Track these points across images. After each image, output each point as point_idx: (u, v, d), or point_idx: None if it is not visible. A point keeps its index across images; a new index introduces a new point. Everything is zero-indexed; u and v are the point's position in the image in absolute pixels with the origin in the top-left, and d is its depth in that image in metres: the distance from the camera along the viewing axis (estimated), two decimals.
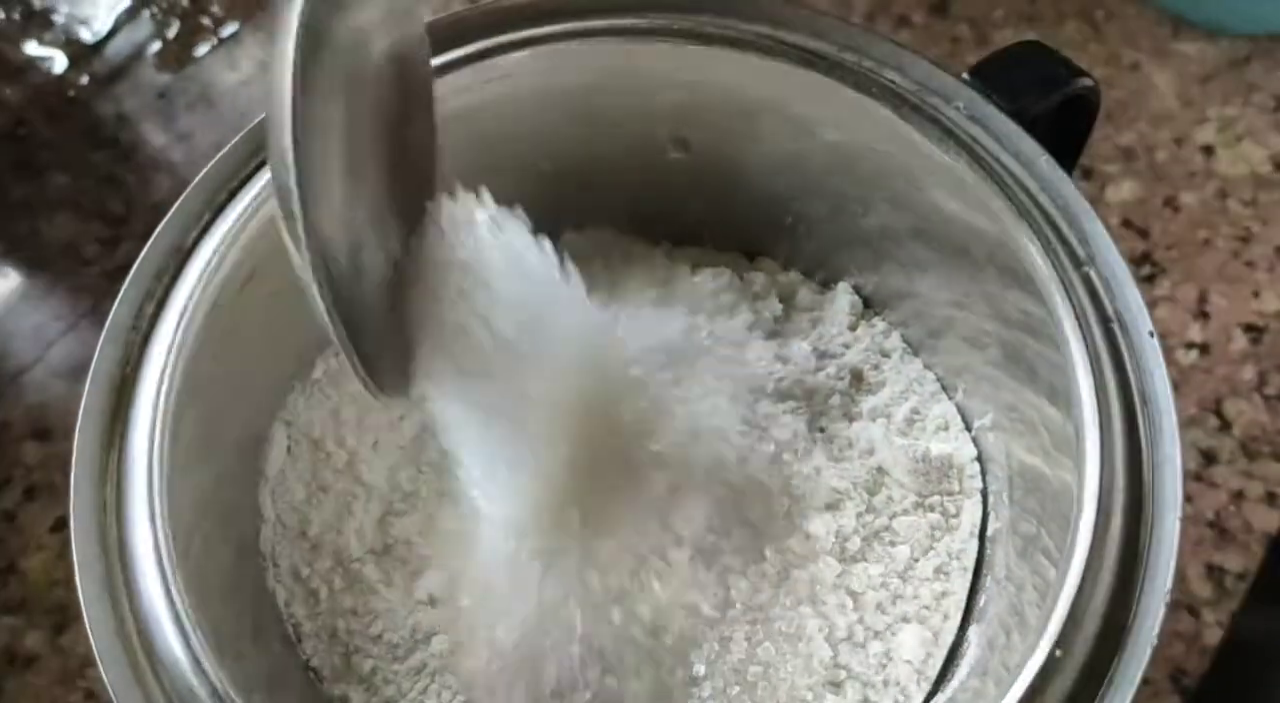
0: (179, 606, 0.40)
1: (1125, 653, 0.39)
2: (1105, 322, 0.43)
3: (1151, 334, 0.43)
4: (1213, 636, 0.60)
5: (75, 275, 0.78)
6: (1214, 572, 0.61)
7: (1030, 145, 0.46)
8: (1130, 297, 0.43)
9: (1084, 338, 0.42)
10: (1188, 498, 0.62)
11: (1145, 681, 0.48)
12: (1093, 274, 0.44)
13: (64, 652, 0.63)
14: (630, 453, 0.46)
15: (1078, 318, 0.43)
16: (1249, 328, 0.67)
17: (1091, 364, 0.42)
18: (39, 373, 0.73)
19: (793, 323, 0.56)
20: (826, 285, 0.58)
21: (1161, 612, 0.39)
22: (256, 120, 0.49)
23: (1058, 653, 0.38)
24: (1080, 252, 0.44)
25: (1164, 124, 0.74)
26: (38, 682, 0.62)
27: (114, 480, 0.43)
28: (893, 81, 0.48)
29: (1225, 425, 0.65)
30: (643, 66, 0.49)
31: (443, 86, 0.48)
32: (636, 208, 0.58)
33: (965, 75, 0.48)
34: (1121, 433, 0.41)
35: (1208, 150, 0.73)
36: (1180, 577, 0.60)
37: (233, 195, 0.47)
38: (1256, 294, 0.68)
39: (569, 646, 0.45)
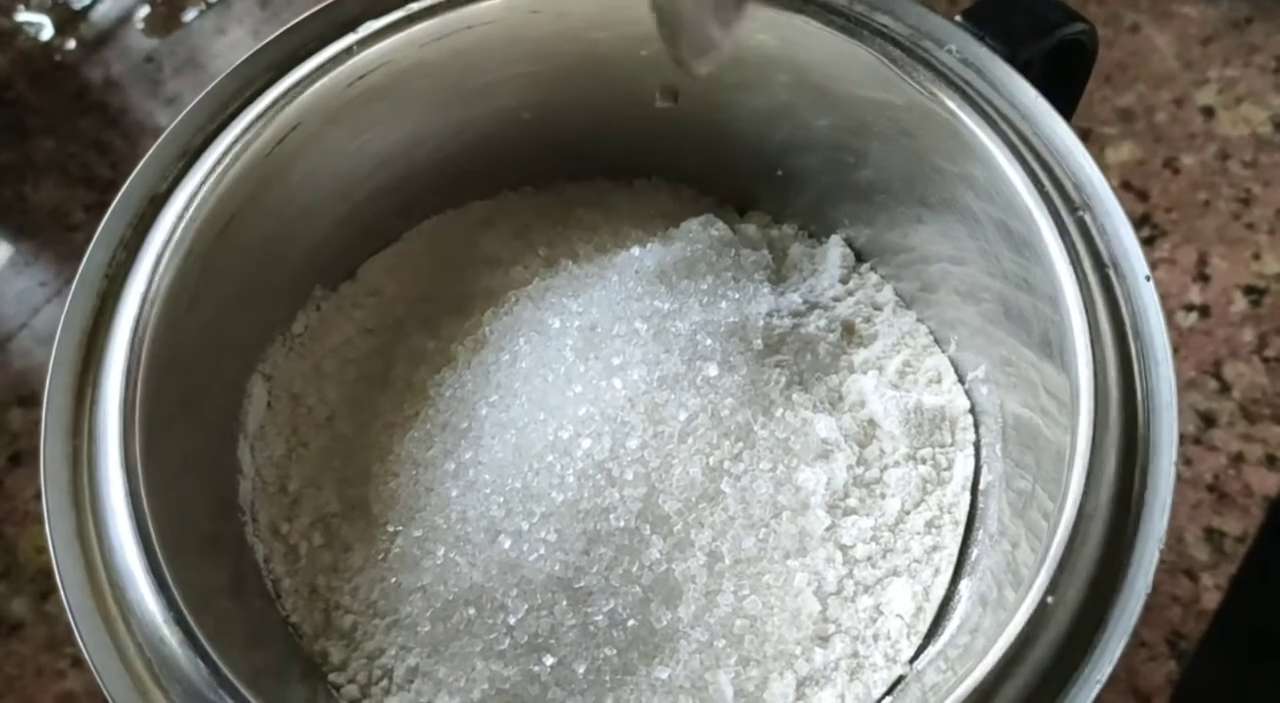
0: (154, 558, 0.39)
1: (1119, 601, 0.38)
2: (1101, 267, 0.43)
3: (1148, 278, 0.42)
4: (1211, 600, 0.59)
5: (62, 241, 0.77)
6: (1213, 536, 0.60)
7: (1025, 89, 0.46)
8: (1127, 241, 0.43)
9: (1079, 283, 0.41)
10: (1187, 462, 0.61)
11: (1141, 643, 0.48)
12: (1088, 219, 0.43)
13: (50, 619, 0.63)
14: None
15: (1072, 263, 0.42)
16: (1249, 290, 0.67)
17: (1086, 309, 0.41)
18: (24, 339, 0.73)
19: (784, 275, 0.55)
20: (818, 239, 0.57)
21: (1156, 558, 0.38)
22: (237, 62, 0.48)
23: (1049, 600, 0.37)
24: (1075, 196, 0.44)
25: (1164, 85, 0.74)
26: (23, 649, 0.62)
27: (86, 432, 0.42)
28: (884, 25, 0.47)
29: (1225, 388, 0.64)
30: (628, 12, 0.48)
31: (412, 36, 0.47)
32: (625, 159, 0.57)
33: (958, 18, 0.47)
34: (1116, 378, 0.40)
35: (1208, 112, 0.73)
36: (1178, 540, 0.60)
37: (210, 140, 0.46)
38: (1257, 256, 0.68)
39: (547, 594, 0.45)
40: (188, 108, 0.47)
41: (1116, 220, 0.43)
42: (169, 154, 0.47)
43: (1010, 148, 0.44)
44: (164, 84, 0.84)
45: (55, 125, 0.82)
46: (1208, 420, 0.63)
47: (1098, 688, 0.37)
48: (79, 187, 0.80)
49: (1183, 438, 0.40)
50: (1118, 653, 0.37)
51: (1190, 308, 0.66)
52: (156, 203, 0.46)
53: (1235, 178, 0.70)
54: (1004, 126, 0.45)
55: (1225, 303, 0.66)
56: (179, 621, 0.38)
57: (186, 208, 0.45)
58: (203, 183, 0.45)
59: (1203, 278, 0.67)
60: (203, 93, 0.47)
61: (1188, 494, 0.61)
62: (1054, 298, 0.42)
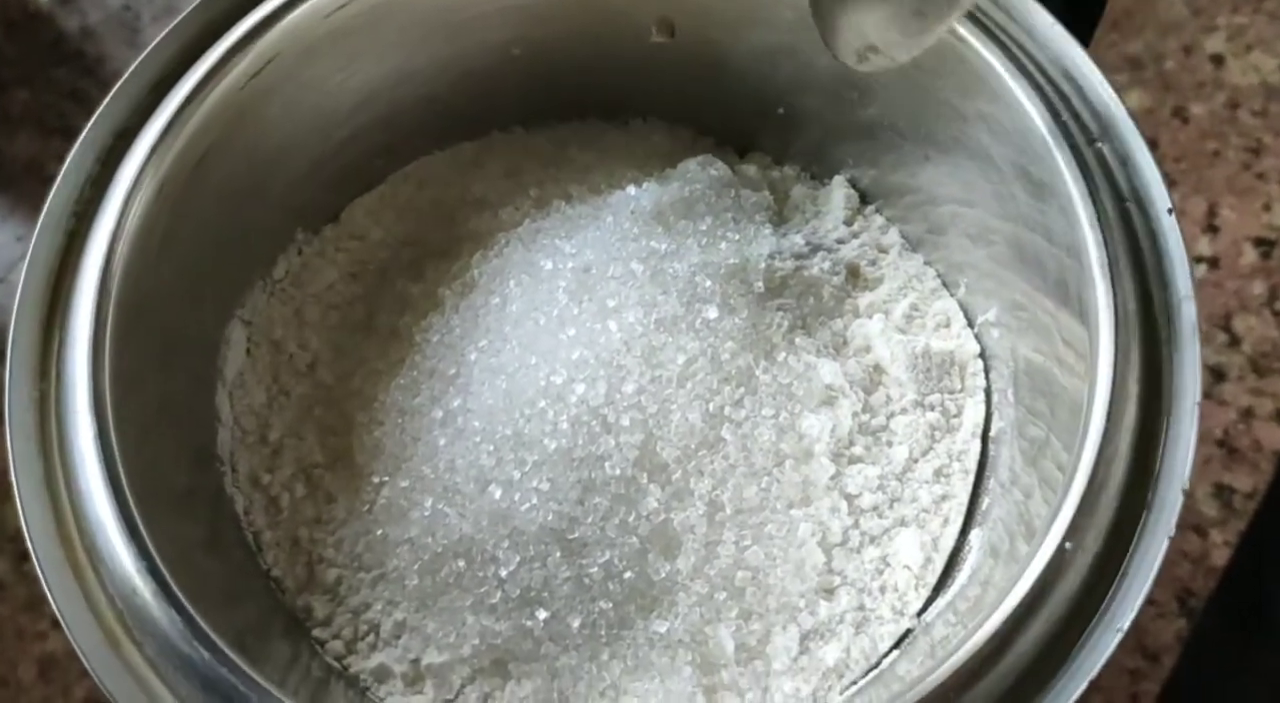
0: (125, 506, 0.38)
1: (1140, 547, 0.36)
2: (1120, 200, 0.41)
3: (1170, 212, 0.40)
4: (1220, 556, 0.58)
5: (38, 195, 0.75)
6: (1222, 492, 0.59)
7: (1040, 15, 0.44)
8: (1147, 173, 0.41)
9: (1098, 217, 0.40)
10: None
11: (1151, 601, 0.47)
12: (1106, 150, 0.42)
13: (31, 580, 0.61)
14: None
15: (1091, 196, 0.40)
16: (1259, 242, 0.66)
17: (1106, 249, 0.39)
18: (1, 295, 0.71)
19: (786, 217, 0.53)
20: (821, 180, 0.55)
21: (1179, 503, 0.37)
22: None
23: (1068, 546, 0.36)
24: (1093, 126, 0.42)
25: (1172, 33, 0.72)
26: (2, 610, 0.60)
27: (54, 375, 0.40)
28: None
29: (1235, 341, 0.63)
30: None
31: None
32: (620, 98, 0.55)
33: None
34: (1137, 316, 0.39)
35: (1217, 59, 0.71)
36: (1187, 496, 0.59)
37: (182, 72, 0.44)
38: (1267, 207, 0.66)
39: (540, 545, 0.43)
40: (157, 39, 0.45)
41: (1137, 152, 0.41)
42: (138, 87, 0.44)
43: (1025, 77, 0.42)
44: (142, 32, 0.82)
45: (30, 76, 0.80)
46: (1217, 375, 0.62)
47: (1119, 636, 0.35)
48: (55, 138, 0.78)
49: None
50: (1140, 600, 0.36)
51: (1200, 260, 0.65)
52: (125, 137, 0.44)
53: (1245, 127, 0.69)
54: (1018, 53, 0.43)
55: (1235, 255, 0.65)
56: (151, 571, 0.37)
57: (157, 143, 0.43)
58: (174, 117, 0.43)
59: (1212, 229, 0.66)
60: (174, 22, 0.45)
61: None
62: (1071, 239, 0.40)
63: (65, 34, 0.82)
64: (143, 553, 0.37)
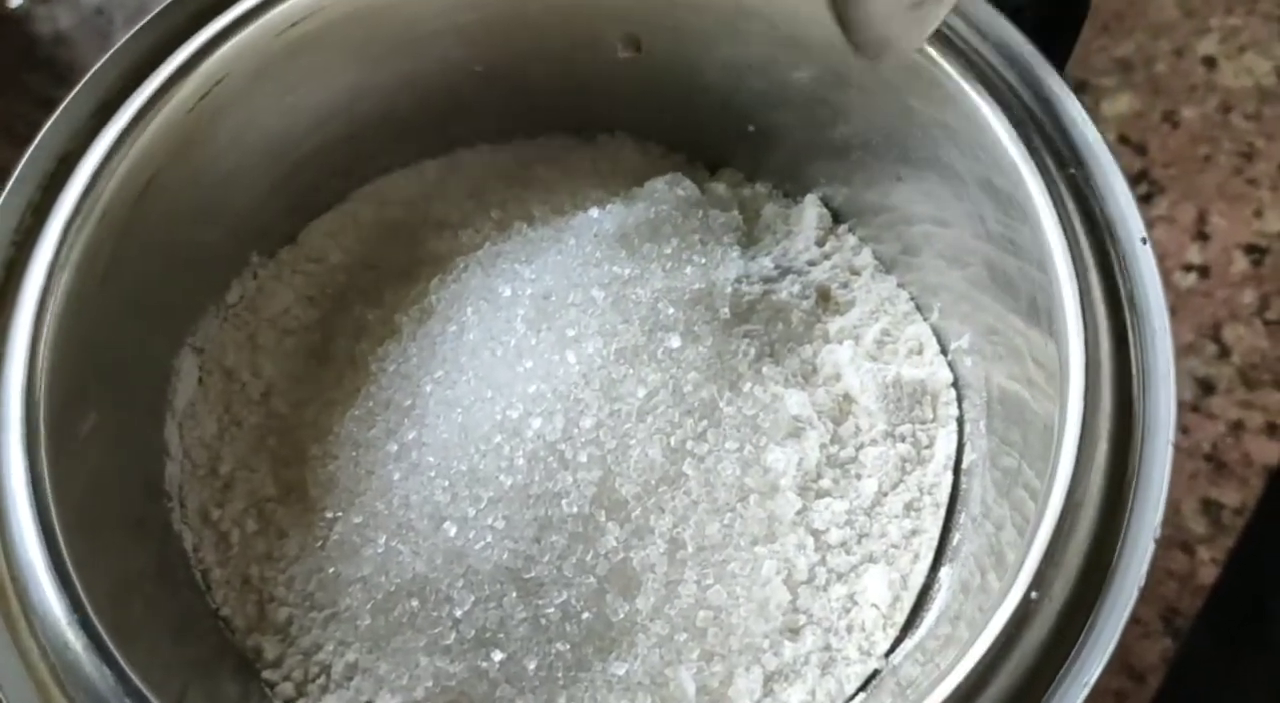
0: (56, 552, 0.36)
1: (1109, 595, 0.35)
2: (1094, 229, 0.40)
3: (1144, 241, 0.39)
4: (1208, 574, 0.57)
5: None
6: (1210, 507, 0.58)
7: (1014, 36, 0.42)
8: (1122, 200, 0.40)
9: (1069, 247, 0.39)
10: (1183, 429, 0.59)
11: (1135, 620, 0.45)
12: (1080, 177, 0.40)
13: None
14: None
15: (1063, 225, 0.39)
16: (1250, 249, 0.64)
17: (1078, 275, 0.38)
18: None
19: (756, 238, 0.52)
20: (793, 199, 0.54)
21: (1150, 550, 0.35)
22: (154, 11, 0.44)
23: (1033, 596, 0.34)
24: (1066, 152, 0.41)
25: (1163, 34, 0.70)
26: None
27: None
28: None
29: (1224, 352, 0.62)
30: None
31: None
32: (586, 114, 0.54)
33: None
34: (1109, 349, 0.38)
35: (1209, 62, 0.69)
36: (1174, 512, 0.58)
37: (129, 93, 0.43)
38: (1259, 214, 0.65)
39: (495, 585, 0.42)
40: (101, 60, 0.44)
41: (1111, 178, 0.40)
42: (82, 110, 0.43)
43: (997, 99, 0.41)
44: (115, 38, 0.79)
45: (1, 83, 0.79)
46: (1206, 387, 0.61)
47: (1086, 691, 0.34)
48: (26, 149, 0.76)
49: (1179, 405, 0.37)
50: (1109, 652, 0.34)
51: (1189, 268, 0.64)
52: (68, 163, 0.42)
53: (1237, 131, 0.67)
54: (990, 76, 0.42)
55: (1225, 263, 0.64)
56: (83, 623, 0.35)
57: (99, 169, 0.42)
58: (118, 141, 0.42)
59: (1202, 237, 0.65)
60: (117, 44, 0.44)
61: (1184, 464, 0.59)
62: (1043, 263, 0.39)
63: (37, 39, 0.81)
64: (75, 604, 0.35)
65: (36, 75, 0.80)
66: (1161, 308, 0.38)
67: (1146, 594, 0.35)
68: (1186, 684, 0.56)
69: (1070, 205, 0.39)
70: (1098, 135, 0.40)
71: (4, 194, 0.42)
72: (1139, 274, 0.39)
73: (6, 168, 0.78)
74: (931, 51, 0.42)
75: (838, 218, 0.53)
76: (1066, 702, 0.34)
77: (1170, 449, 0.36)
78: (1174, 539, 0.58)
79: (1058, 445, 0.36)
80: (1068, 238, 0.39)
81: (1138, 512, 0.36)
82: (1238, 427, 0.60)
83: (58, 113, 0.43)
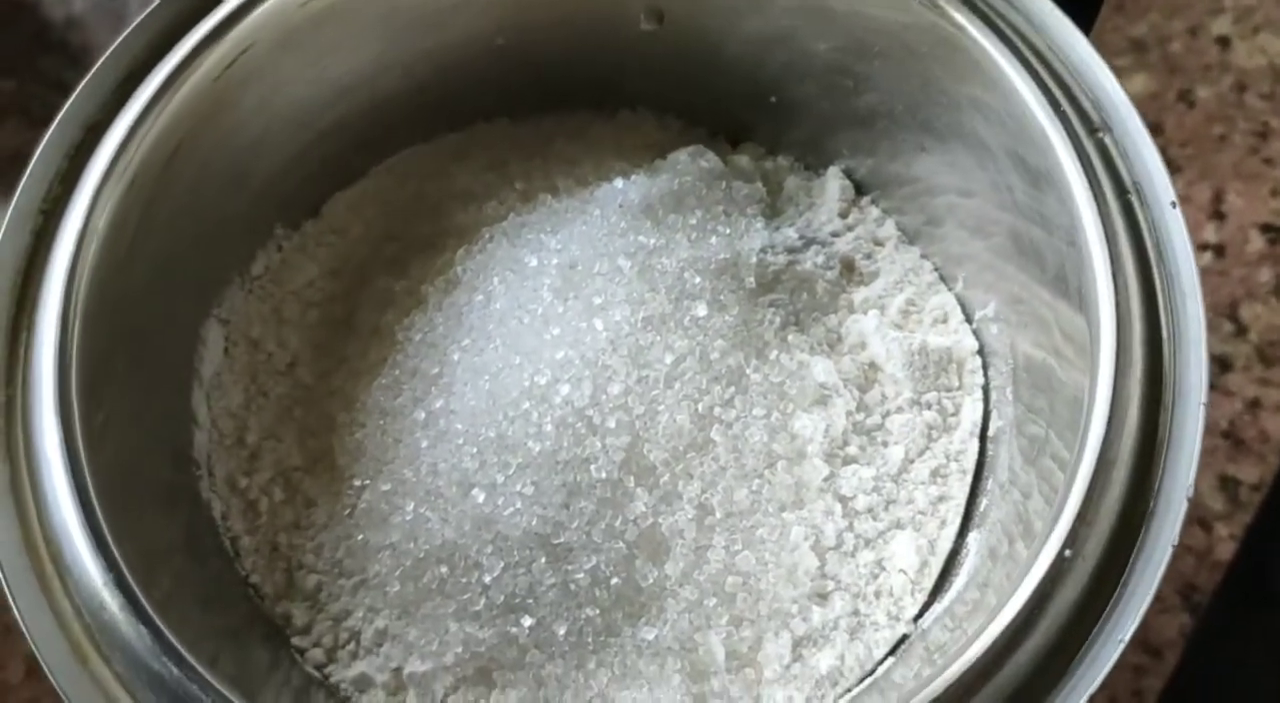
0: (92, 514, 0.36)
1: (1143, 553, 0.35)
2: (1122, 193, 0.39)
3: (1174, 204, 0.39)
4: (1225, 550, 0.57)
5: None
6: (1227, 484, 0.58)
7: (1040, 2, 0.42)
8: (1150, 164, 0.40)
9: (1099, 211, 0.38)
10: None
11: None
12: (1108, 140, 0.40)
13: None
14: None
15: (1092, 190, 0.39)
16: (1267, 228, 0.64)
17: (1107, 240, 0.38)
18: None
19: (779, 209, 0.52)
20: (815, 171, 0.54)
21: (1184, 508, 0.36)
22: None
23: (1067, 553, 0.34)
24: (1094, 116, 0.41)
25: (1178, 14, 0.71)
26: None
27: (20, 379, 0.39)
28: None
29: (1241, 331, 0.62)
30: None
31: None
32: (608, 88, 0.54)
33: None
34: (1140, 313, 0.38)
35: (1224, 42, 0.70)
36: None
37: (153, 63, 0.43)
38: (1275, 192, 0.65)
39: (524, 551, 0.42)
40: (127, 29, 0.44)
41: (1139, 141, 0.40)
42: (109, 79, 0.43)
43: (1023, 64, 0.41)
44: (128, 19, 0.79)
45: (15, 66, 0.79)
46: (1223, 365, 0.61)
47: (1121, 648, 0.34)
48: (41, 129, 0.76)
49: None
50: (1142, 609, 0.34)
51: (1205, 247, 0.64)
52: (95, 131, 0.42)
53: (1252, 111, 0.68)
54: (1016, 41, 0.42)
55: (1242, 242, 0.64)
56: (119, 583, 0.35)
57: (127, 137, 0.41)
58: (145, 110, 0.42)
59: (1218, 216, 0.65)
60: (143, 13, 0.44)
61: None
62: (1071, 229, 0.39)
63: (50, 23, 0.81)
64: (110, 564, 0.35)
65: (50, 58, 0.80)
66: (1192, 271, 0.38)
67: (1165, 573, 0.35)
68: (1204, 660, 0.56)
69: (1100, 170, 0.39)
70: (1125, 99, 0.40)
71: (32, 162, 0.42)
72: (1169, 238, 0.39)
73: (23, 149, 0.78)
74: (958, 17, 0.42)
75: (860, 190, 0.53)
76: (1102, 658, 0.34)
77: (1203, 411, 0.36)
78: (1191, 516, 0.57)
79: (1089, 407, 0.36)
80: (1098, 203, 0.38)
81: (1170, 471, 0.36)
82: (1255, 404, 0.60)
83: (84, 82, 0.43)
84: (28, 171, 0.42)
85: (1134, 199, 0.39)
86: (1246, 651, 0.58)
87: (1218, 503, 0.58)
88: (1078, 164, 0.39)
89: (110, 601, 0.35)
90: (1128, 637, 0.34)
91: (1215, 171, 0.66)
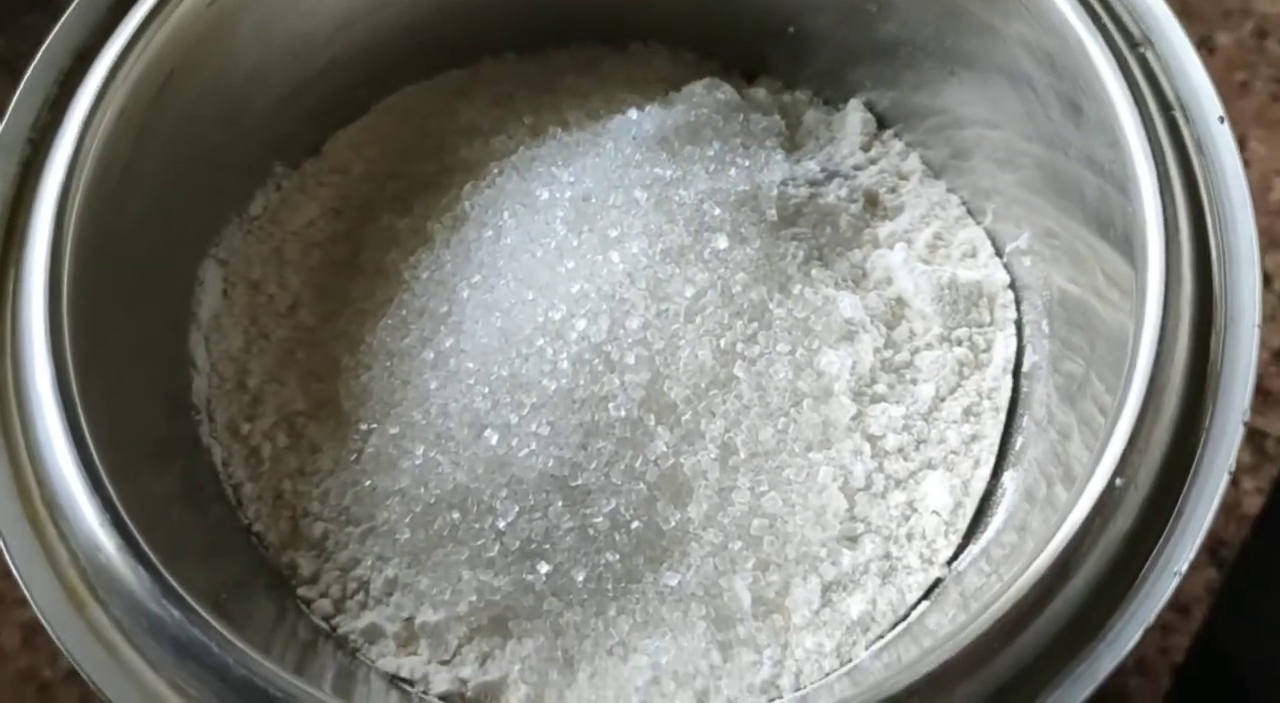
0: (87, 455, 0.35)
1: (1198, 481, 0.34)
2: (1166, 109, 0.38)
3: (1222, 120, 0.38)
4: (1252, 504, 0.56)
5: None
6: (1253, 436, 0.57)
7: None
8: (1196, 79, 0.38)
9: (1143, 129, 0.37)
10: None
11: None
12: (1150, 55, 0.38)
13: None
14: None
15: (1136, 106, 0.37)
16: None
17: (1154, 159, 0.36)
18: None
19: (798, 143, 0.50)
20: (836, 105, 0.52)
21: (1239, 434, 0.34)
22: None
23: (1118, 483, 0.33)
24: (1135, 29, 0.39)
25: None
26: None
27: (9, 317, 0.37)
28: None
29: (1265, 280, 0.60)
30: None
31: None
32: (617, 20, 0.52)
33: None
34: (1189, 233, 0.36)
35: None
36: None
37: None
38: None
39: (540, 494, 0.40)
40: None
41: (1183, 55, 0.39)
42: (99, 4, 0.41)
43: None
44: None
45: (2, 23, 0.77)
46: None
47: (1177, 580, 0.33)
48: None
49: None
50: (1199, 539, 0.33)
51: None
52: (84, 58, 0.40)
53: (1274, 57, 0.66)
54: None
55: (1264, 190, 0.63)
56: (116, 524, 0.34)
57: (117, 63, 0.40)
58: (135, 34, 0.40)
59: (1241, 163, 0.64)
60: None
61: None
62: (1114, 152, 0.38)
63: None
64: (107, 506, 0.34)
65: (37, 15, 0.77)
66: (1243, 188, 0.37)
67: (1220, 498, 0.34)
68: (1232, 615, 0.55)
69: (1143, 87, 0.38)
70: (1167, 10, 0.39)
71: (18, 90, 0.40)
72: (1216, 154, 0.37)
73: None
74: None
75: (882, 124, 0.51)
76: (1157, 591, 0.33)
77: (1256, 332, 0.35)
78: None
79: (1137, 333, 0.35)
80: (1144, 122, 0.37)
81: (1224, 395, 0.34)
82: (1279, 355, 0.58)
83: (73, 6, 0.41)
84: (15, 98, 0.40)
85: (1179, 116, 0.38)
86: (1275, 606, 0.57)
87: (1245, 456, 0.56)
88: (1121, 81, 0.38)
89: (107, 541, 0.33)
90: (1184, 568, 0.33)
91: (1237, 119, 0.64)
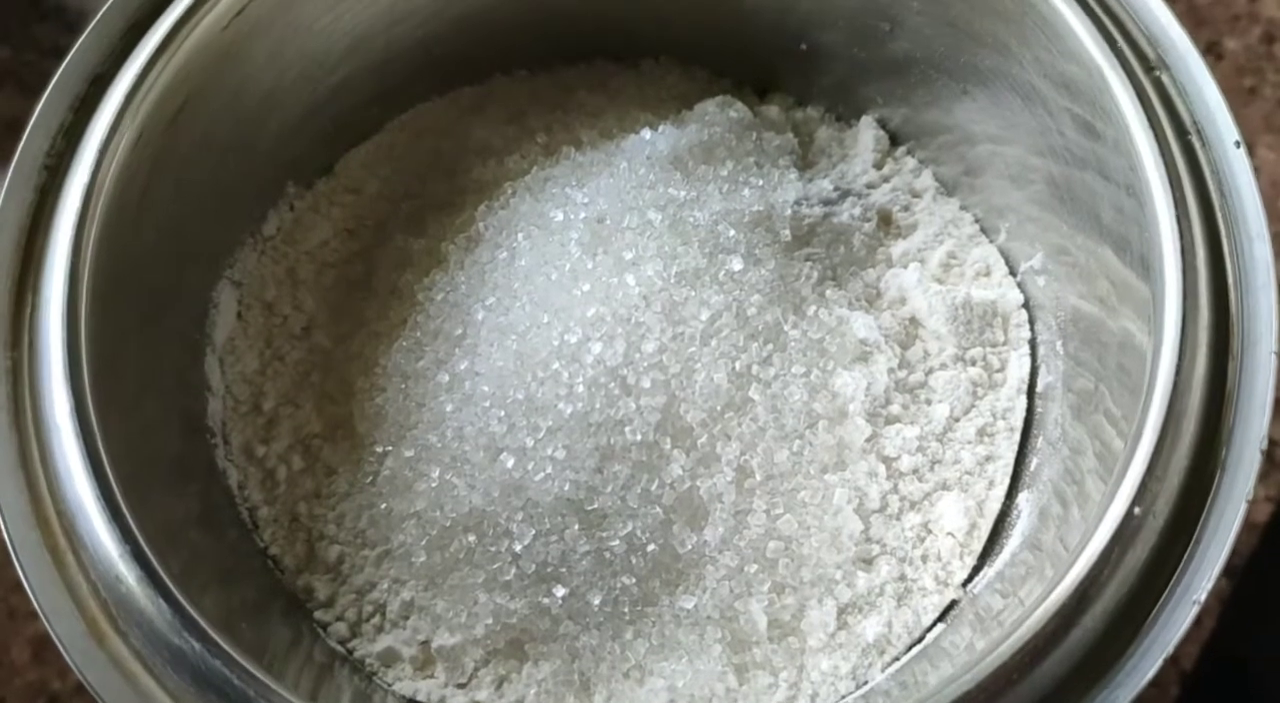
0: (106, 485, 0.35)
1: (1215, 509, 0.34)
2: (1182, 133, 0.38)
3: (1238, 144, 0.37)
4: (1261, 512, 0.56)
5: None
6: None
7: None
8: (1211, 102, 0.38)
9: (1159, 152, 0.37)
10: None
11: None
12: (1165, 78, 0.38)
13: None
14: None
15: (1151, 129, 0.37)
16: None
17: (1170, 184, 0.36)
18: None
19: (811, 161, 0.50)
20: (848, 122, 0.52)
21: (1257, 462, 0.34)
22: None
23: (1136, 512, 0.33)
24: (1150, 52, 0.39)
25: None
26: None
27: (27, 343, 0.37)
28: None
29: None
30: None
31: None
32: (630, 38, 0.52)
33: None
34: (1205, 259, 0.36)
35: None
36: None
37: (161, 10, 0.41)
38: None
39: (556, 517, 0.40)
40: None
41: (1199, 79, 0.38)
42: (113, 29, 0.41)
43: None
44: None
45: (10, 32, 0.77)
46: None
47: (1196, 609, 0.32)
48: (36, 98, 0.74)
49: None
50: (1217, 567, 0.33)
51: None
52: (100, 84, 0.40)
53: None
54: None
55: (1272, 196, 0.62)
56: (136, 555, 0.34)
57: (133, 89, 0.40)
58: (150, 60, 0.40)
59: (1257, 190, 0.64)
60: None
61: None
62: (1129, 174, 0.37)
63: None
64: (126, 536, 0.34)
65: (45, 25, 0.78)
66: (1259, 214, 0.37)
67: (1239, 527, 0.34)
68: (1241, 623, 0.55)
69: (1159, 110, 0.38)
70: (1182, 33, 0.39)
71: (35, 115, 0.40)
72: (1233, 179, 0.37)
73: (18, 117, 0.76)
74: None
75: (895, 140, 0.51)
76: (1176, 619, 0.33)
77: (1274, 360, 0.35)
78: None
79: (1154, 359, 0.35)
80: (1160, 146, 0.37)
81: (1241, 423, 0.34)
82: None
83: (87, 31, 0.41)
84: (30, 125, 0.40)
85: (1195, 140, 0.37)
86: None
87: None
88: (1136, 105, 0.37)
89: (127, 573, 0.34)
90: (1203, 597, 0.33)
91: (1245, 125, 0.63)
